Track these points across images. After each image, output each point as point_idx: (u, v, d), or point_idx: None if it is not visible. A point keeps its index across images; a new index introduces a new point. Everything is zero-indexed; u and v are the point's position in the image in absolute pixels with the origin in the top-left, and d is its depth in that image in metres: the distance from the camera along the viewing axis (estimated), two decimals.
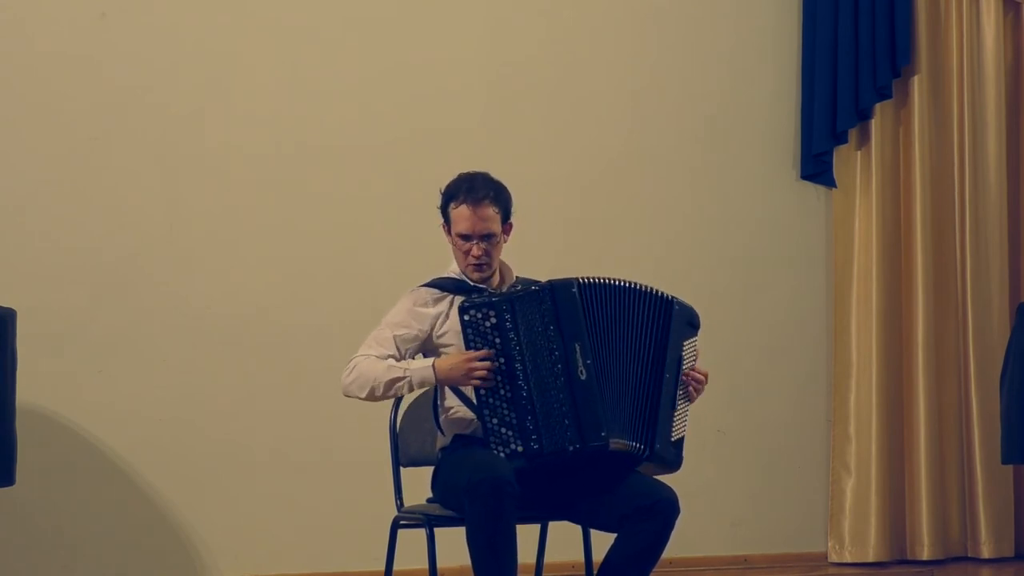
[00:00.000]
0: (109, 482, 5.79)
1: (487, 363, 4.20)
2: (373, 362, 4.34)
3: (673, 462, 4.38)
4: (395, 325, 4.41)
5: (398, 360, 4.37)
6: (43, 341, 5.62)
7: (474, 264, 4.41)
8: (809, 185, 6.59)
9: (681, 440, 4.40)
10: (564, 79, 6.32)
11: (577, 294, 4.23)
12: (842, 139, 6.50)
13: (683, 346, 4.40)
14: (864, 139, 6.55)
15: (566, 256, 5.96)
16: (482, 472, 4.11)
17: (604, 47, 6.36)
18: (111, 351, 5.79)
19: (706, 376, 4.47)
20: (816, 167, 6.51)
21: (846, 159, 6.56)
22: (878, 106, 6.51)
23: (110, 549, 5.78)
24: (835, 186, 6.56)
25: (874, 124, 6.52)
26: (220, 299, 5.92)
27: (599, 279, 4.28)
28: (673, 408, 4.36)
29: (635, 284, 4.32)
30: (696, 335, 4.46)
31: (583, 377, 4.19)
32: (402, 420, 4.73)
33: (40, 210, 5.76)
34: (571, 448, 4.18)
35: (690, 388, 4.42)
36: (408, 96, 6.11)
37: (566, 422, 4.18)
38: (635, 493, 4.23)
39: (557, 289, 4.24)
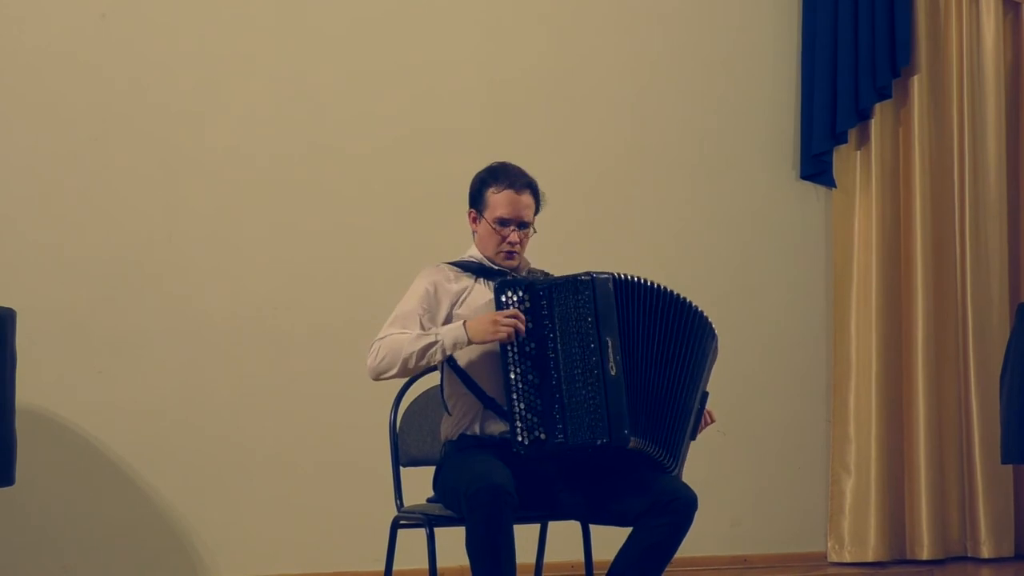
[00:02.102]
0: (109, 482, 5.78)
1: (514, 320, 4.14)
2: (398, 337, 4.26)
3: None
4: (420, 299, 4.34)
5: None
6: (43, 341, 5.63)
7: (507, 251, 4.39)
8: (809, 185, 6.59)
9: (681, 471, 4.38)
10: (564, 80, 6.31)
11: (613, 289, 4.20)
12: (842, 139, 6.49)
13: (708, 380, 4.40)
14: (864, 139, 6.54)
15: (566, 256, 5.72)
16: (481, 481, 4.08)
17: (604, 48, 6.36)
18: (111, 351, 5.78)
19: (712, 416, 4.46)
20: (816, 167, 6.50)
21: (846, 159, 6.55)
22: (878, 106, 6.50)
23: (110, 549, 5.77)
24: (835, 186, 6.55)
25: (874, 124, 6.52)
26: (220, 299, 5.90)
27: (637, 278, 4.26)
28: (692, 438, 4.37)
29: (677, 295, 4.29)
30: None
31: (613, 373, 4.15)
32: (402, 420, 4.70)
33: (40, 210, 5.74)
34: (599, 442, 4.14)
35: (702, 424, 4.42)
36: (409, 96, 6.10)
37: (594, 416, 4.13)
38: (656, 490, 4.20)
39: (597, 281, 4.20)
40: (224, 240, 5.92)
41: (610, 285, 4.20)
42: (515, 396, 4.16)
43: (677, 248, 6.40)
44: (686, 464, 4.42)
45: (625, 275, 4.24)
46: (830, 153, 6.51)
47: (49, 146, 5.75)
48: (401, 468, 4.66)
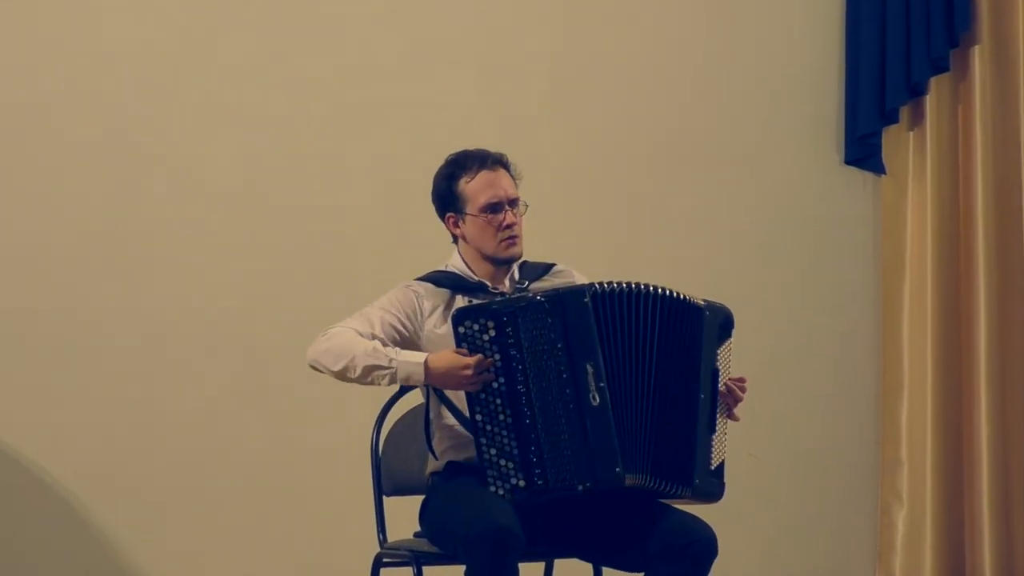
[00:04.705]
0: (52, 514, 5.55)
1: (487, 375, 4.00)
2: (355, 337, 4.12)
3: (714, 493, 4.15)
4: (385, 310, 4.22)
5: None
6: None
7: (509, 238, 4.20)
8: (855, 171, 6.42)
9: (721, 465, 4.16)
10: (596, 66, 6.18)
11: (590, 304, 3.97)
12: (892, 118, 6.34)
13: (717, 356, 4.15)
14: (917, 118, 6.40)
15: (596, 247, 5.76)
16: (483, 522, 3.88)
17: (640, 30, 6.24)
18: (53, 362, 5.54)
19: (744, 382, 4.22)
20: (862, 151, 6.35)
21: (896, 141, 6.40)
22: (933, 80, 6.36)
23: None
24: (884, 172, 6.38)
25: (928, 101, 6.37)
26: (181, 303, 5.69)
27: (616, 285, 4.02)
28: (712, 432, 4.13)
29: (659, 289, 4.07)
30: (730, 338, 4.22)
31: (595, 403, 3.96)
32: (385, 443, 4.56)
33: None
34: (580, 487, 3.97)
35: (728, 403, 4.20)
36: (400, 93, 5.93)
37: (576, 456, 3.96)
38: (667, 531, 4.00)
39: (567, 299, 3.99)
40: (189, 246, 5.71)
41: (585, 300, 3.98)
42: (484, 441, 4.01)
43: (709, 242, 6.27)
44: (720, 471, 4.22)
45: (604, 284, 4.01)
46: (879, 135, 6.36)
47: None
48: (385, 497, 4.52)
